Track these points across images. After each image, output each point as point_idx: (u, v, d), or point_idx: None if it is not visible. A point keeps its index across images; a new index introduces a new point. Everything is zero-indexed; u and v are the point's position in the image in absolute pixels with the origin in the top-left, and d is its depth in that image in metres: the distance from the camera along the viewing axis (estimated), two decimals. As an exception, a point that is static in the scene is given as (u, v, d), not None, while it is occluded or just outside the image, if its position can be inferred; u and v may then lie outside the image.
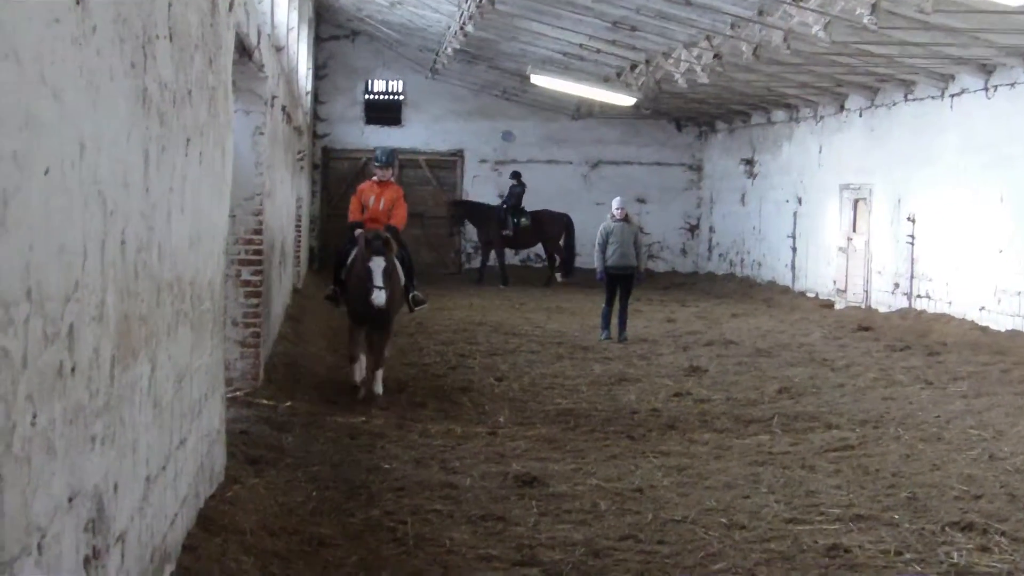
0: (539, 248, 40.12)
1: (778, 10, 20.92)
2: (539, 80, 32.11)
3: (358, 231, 17.07)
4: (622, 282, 24.30)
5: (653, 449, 13.70)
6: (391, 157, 18.26)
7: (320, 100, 41.67)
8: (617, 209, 24.43)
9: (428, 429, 14.52)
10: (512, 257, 41.47)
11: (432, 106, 42.20)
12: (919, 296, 27.18)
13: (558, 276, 38.60)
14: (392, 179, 18.18)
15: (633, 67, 30.48)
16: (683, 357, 21.60)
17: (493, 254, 39.23)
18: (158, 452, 7.09)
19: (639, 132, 42.67)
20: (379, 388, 16.67)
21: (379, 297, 16.05)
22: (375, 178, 18.00)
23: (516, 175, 39.65)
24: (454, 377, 18.77)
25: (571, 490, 11.56)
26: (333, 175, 42.00)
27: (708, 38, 24.82)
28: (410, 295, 17.77)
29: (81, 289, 5.01)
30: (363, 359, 17.02)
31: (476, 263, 40.53)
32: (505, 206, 38.85)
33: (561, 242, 39.04)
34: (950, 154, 25.99)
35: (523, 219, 38.75)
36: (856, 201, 31.00)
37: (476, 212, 39.25)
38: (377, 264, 16.16)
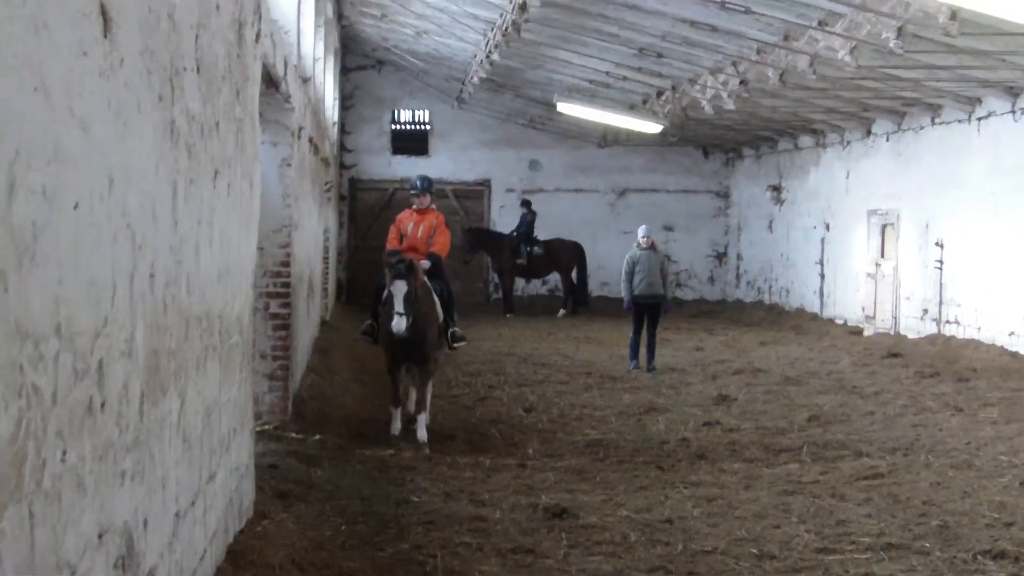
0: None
1: (804, 35, 20.90)
2: (565, 108, 32.12)
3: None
4: (649, 311, 24.22)
5: (683, 479, 13.65)
6: (427, 183, 17.23)
7: (347, 131, 41.72)
8: (643, 238, 24.38)
9: (457, 461, 14.49)
10: (540, 287, 41.53)
11: (459, 135, 42.22)
12: (948, 322, 27.06)
13: (561, 311, 38.43)
14: (432, 206, 17.22)
15: (659, 94, 30.49)
16: (712, 386, 21.53)
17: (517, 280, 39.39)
18: (187, 487, 7.07)
19: (666, 159, 42.62)
20: (422, 434, 15.53)
21: (398, 324, 15.04)
22: (414, 206, 17.14)
23: (526, 203, 39.65)
24: (483, 409, 18.73)
25: (601, 521, 11.51)
26: (361, 206, 42.02)
27: (734, 64, 24.81)
28: (449, 331, 16.56)
29: (110, 324, 5.00)
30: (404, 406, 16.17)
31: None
32: (516, 234, 38.83)
33: (574, 273, 39.00)
34: (978, 178, 25.90)
35: (536, 248, 38.69)
36: (884, 227, 30.91)
37: (490, 240, 39.14)
38: (399, 288, 15.16)
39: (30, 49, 3.93)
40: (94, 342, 4.75)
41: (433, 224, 16.87)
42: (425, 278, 16.07)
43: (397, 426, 15.83)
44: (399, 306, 15.13)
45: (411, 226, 16.90)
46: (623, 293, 24.49)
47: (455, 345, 16.95)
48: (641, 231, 24.70)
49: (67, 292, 4.38)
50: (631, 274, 24.08)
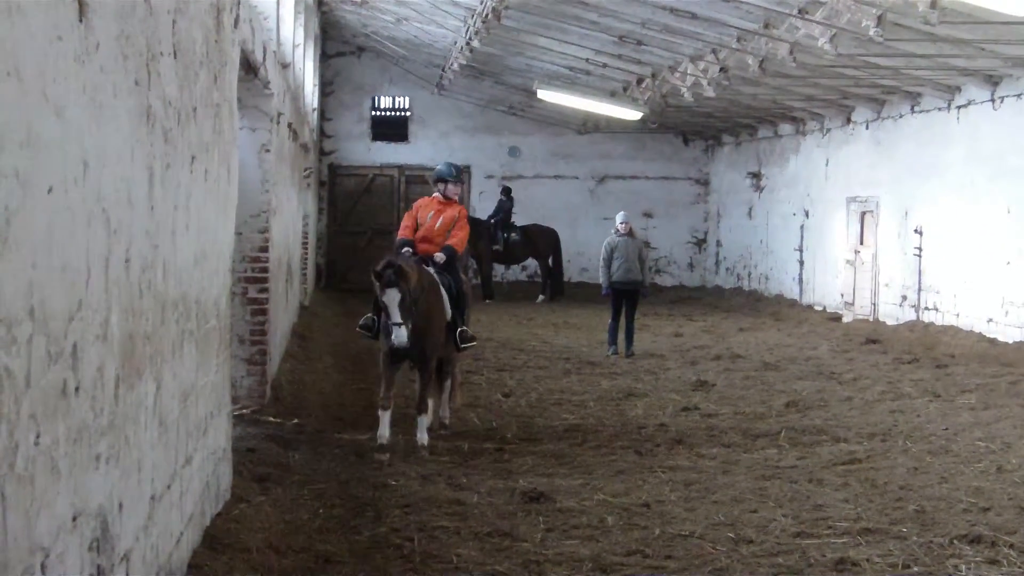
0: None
1: (784, 23, 20.92)
2: (545, 95, 32.11)
3: (406, 249, 15.19)
4: (627, 297, 24.24)
5: (660, 464, 13.66)
6: (458, 171, 16.05)
7: (327, 117, 41.64)
8: (621, 224, 24.38)
9: (435, 446, 14.46)
10: (519, 273, 41.52)
11: (439, 122, 42.16)
12: (927, 308, 27.14)
13: (540, 297, 38.50)
14: (456, 198, 15.91)
15: (639, 81, 30.48)
16: (690, 371, 21.54)
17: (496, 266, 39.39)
18: (163, 471, 7.08)
19: (646, 146, 42.63)
20: (422, 436, 14.49)
21: (399, 335, 13.80)
22: (437, 195, 15.77)
23: (507, 190, 39.60)
24: (462, 393, 18.66)
25: (578, 505, 11.52)
26: (340, 192, 41.95)
27: (714, 51, 24.82)
28: (457, 331, 15.35)
29: (85, 308, 5.00)
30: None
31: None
32: (493, 220, 38.80)
33: (550, 260, 38.99)
34: (957, 166, 25.96)
35: (513, 234, 38.66)
36: (863, 214, 30.97)
37: None
38: (391, 298, 13.84)
39: (3, 33, 3.93)
40: (68, 326, 4.76)
41: (454, 217, 15.63)
42: (433, 272, 15.13)
43: (385, 433, 14.24)
44: (396, 316, 13.88)
45: (430, 215, 15.58)
46: (601, 279, 24.47)
47: (463, 346, 15.61)
48: (619, 218, 24.70)
49: (41, 276, 4.38)
50: (609, 260, 24.09)
